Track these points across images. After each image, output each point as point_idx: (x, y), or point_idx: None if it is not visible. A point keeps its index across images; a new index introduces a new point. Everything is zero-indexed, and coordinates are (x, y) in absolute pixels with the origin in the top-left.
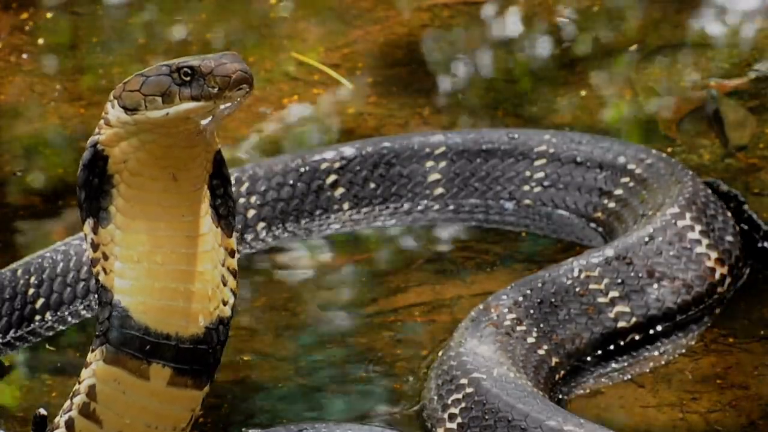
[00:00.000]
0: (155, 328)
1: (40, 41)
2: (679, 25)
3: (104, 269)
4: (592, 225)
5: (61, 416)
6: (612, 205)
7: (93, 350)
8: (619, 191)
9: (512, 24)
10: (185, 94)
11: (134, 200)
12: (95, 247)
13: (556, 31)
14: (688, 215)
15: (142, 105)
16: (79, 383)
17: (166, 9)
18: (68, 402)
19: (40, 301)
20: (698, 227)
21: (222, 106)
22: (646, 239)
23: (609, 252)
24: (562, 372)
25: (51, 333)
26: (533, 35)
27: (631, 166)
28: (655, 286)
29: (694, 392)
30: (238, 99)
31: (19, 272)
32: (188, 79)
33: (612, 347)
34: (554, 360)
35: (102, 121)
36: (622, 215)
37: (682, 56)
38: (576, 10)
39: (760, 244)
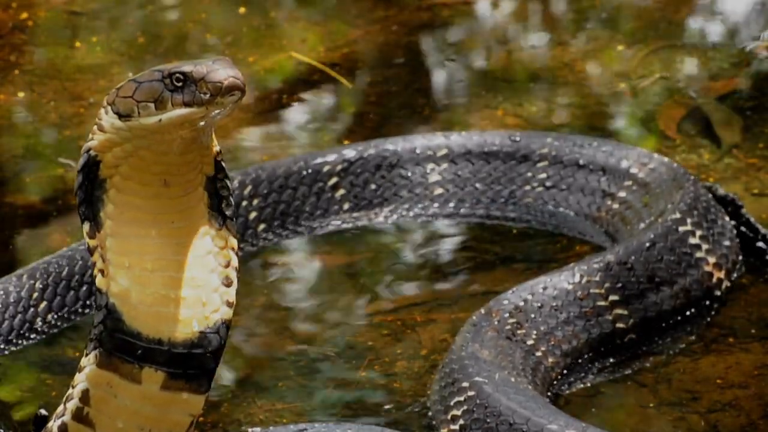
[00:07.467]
0: (147, 333)
1: (40, 41)
2: (679, 24)
3: (101, 272)
4: (594, 227)
5: (54, 421)
6: (615, 207)
7: (87, 354)
8: (622, 194)
9: (512, 23)
10: (177, 100)
11: (124, 206)
12: (92, 250)
13: (555, 30)
14: (689, 221)
15: (136, 111)
16: (73, 387)
17: (165, 8)
18: (62, 407)
19: (43, 304)
20: (699, 232)
21: (214, 112)
22: (648, 245)
23: (609, 258)
24: (559, 372)
25: (54, 333)
26: (533, 34)
27: (633, 170)
28: (655, 291)
29: (694, 392)
30: (230, 105)
31: (24, 277)
32: (180, 84)
33: (612, 347)
34: (551, 361)
35: (95, 127)
36: (625, 218)
37: (681, 56)
38: (575, 9)
39: (759, 244)
